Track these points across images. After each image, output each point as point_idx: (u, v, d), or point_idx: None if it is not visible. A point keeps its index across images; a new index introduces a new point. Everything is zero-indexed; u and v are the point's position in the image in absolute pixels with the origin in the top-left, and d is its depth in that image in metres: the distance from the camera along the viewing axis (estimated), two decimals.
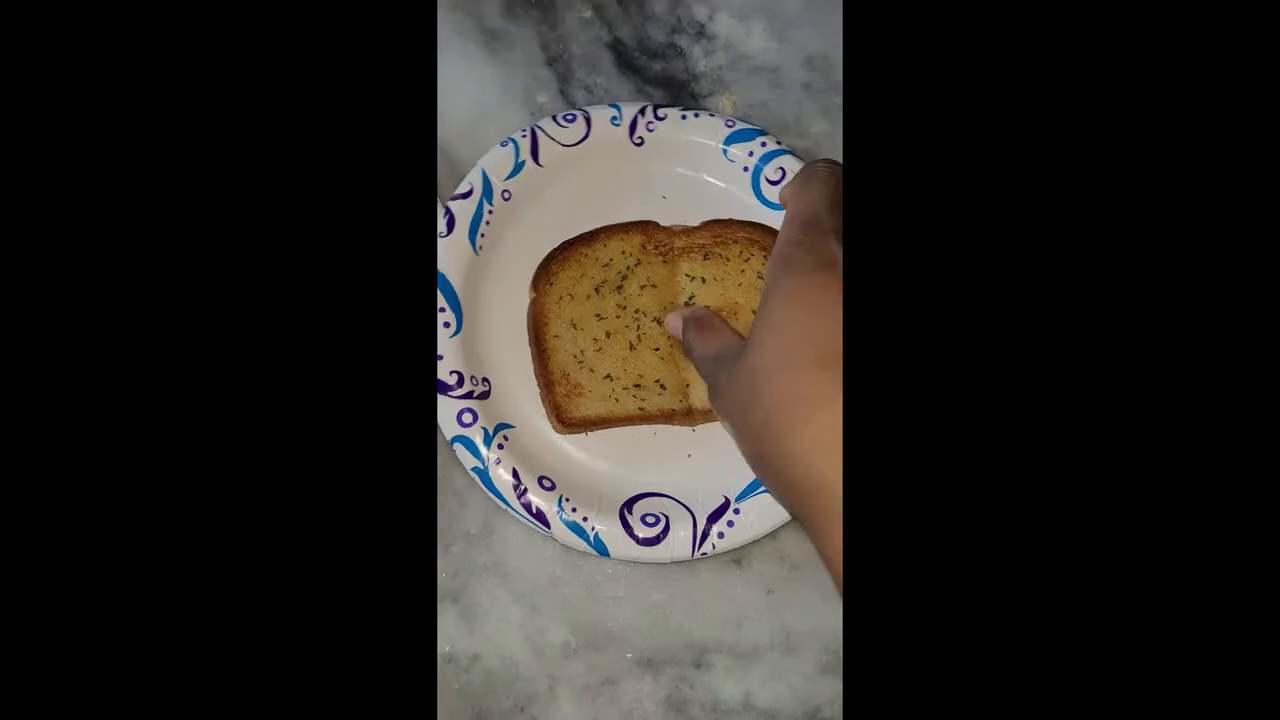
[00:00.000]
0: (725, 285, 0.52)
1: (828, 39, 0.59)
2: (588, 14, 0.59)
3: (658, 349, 0.51)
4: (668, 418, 0.51)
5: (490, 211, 0.53)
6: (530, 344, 0.52)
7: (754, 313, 0.49)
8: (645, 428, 0.52)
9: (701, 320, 0.48)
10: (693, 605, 0.52)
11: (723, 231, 0.53)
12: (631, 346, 0.51)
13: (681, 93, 0.58)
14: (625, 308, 0.52)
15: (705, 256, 0.52)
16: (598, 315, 0.52)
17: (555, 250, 0.52)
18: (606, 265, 0.52)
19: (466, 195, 0.53)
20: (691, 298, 0.52)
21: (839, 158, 0.57)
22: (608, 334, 0.51)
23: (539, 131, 0.54)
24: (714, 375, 0.43)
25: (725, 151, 0.55)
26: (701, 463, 0.52)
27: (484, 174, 0.54)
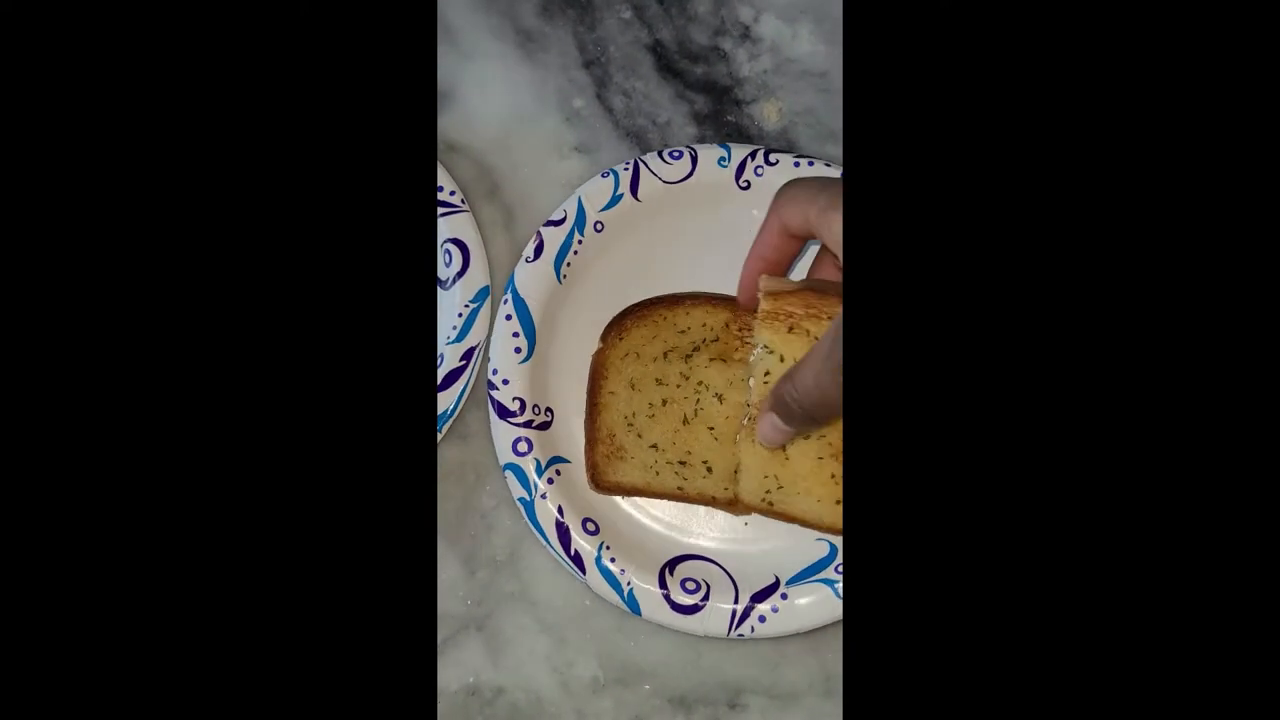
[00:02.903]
0: None
1: None
2: (627, 15, 0.56)
3: (713, 428, 0.48)
4: (708, 503, 0.48)
5: (580, 241, 0.51)
6: (586, 395, 0.50)
7: None
8: None
9: (788, 375, 0.42)
10: (728, 642, 0.49)
11: (818, 302, 0.44)
12: (686, 420, 0.48)
13: (725, 98, 0.55)
14: (689, 378, 0.48)
15: (790, 329, 0.44)
16: (658, 380, 0.49)
17: (633, 305, 0.50)
18: (684, 332, 0.49)
19: (559, 223, 0.51)
20: (767, 375, 0.44)
21: None
22: (665, 402, 0.48)
23: (642, 165, 0.52)
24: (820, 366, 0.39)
25: None
26: (758, 533, 0.50)
27: (580, 202, 0.51)
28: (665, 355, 0.49)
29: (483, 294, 0.51)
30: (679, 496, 0.48)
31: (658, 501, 0.50)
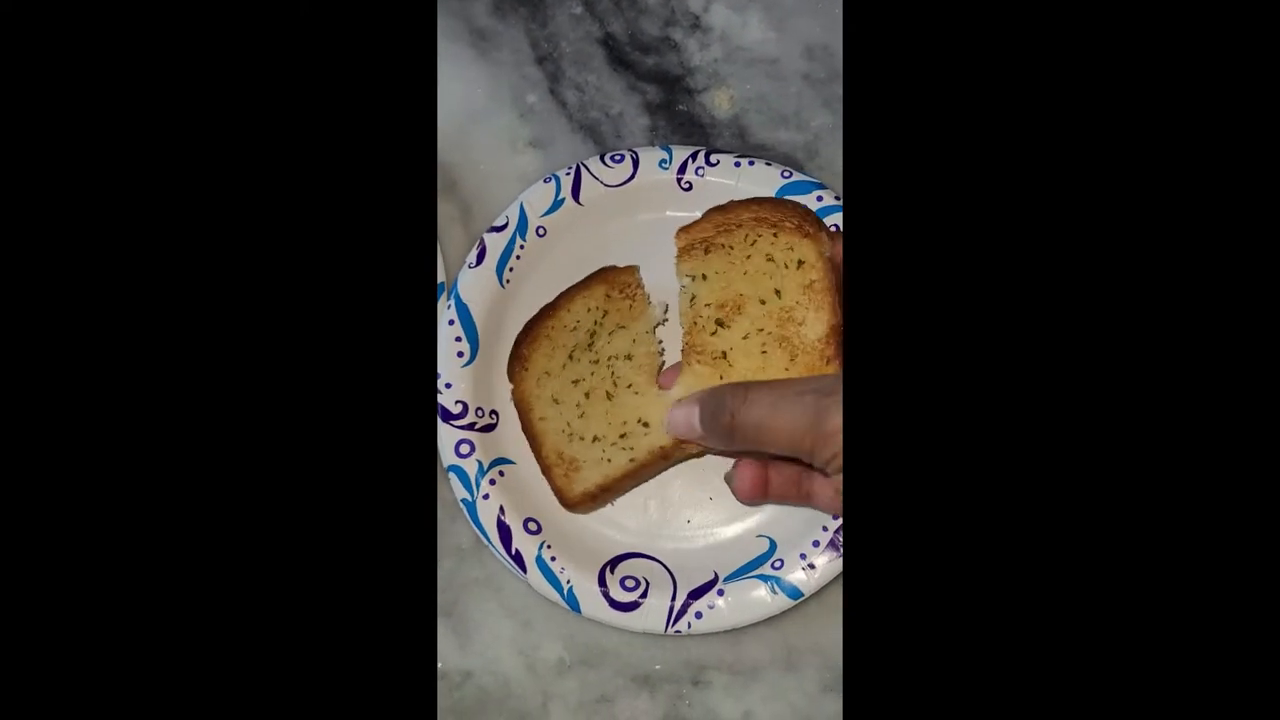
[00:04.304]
0: (729, 276, 0.47)
1: (828, 28, 0.56)
2: (578, 10, 0.57)
3: (631, 385, 0.48)
4: (665, 457, 0.47)
5: (522, 246, 0.52)
6: (523, 431, 0.49)
7: (762, 302, 0.46)
8: (649, 486, 0.50)
9: (742, 384, 0.43)
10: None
11: (725, 219, 0.47)
12: (609, 395, 0.48)
13: (676, 88, 0.56)
14: (598, 361, 0.49)
15: (706, 251, 0.47)
16: (574, 381, 0.49)
17: (521, 334, 0.50)
18: (574, 329, 0.49)
19: (501, 228, 0.52)
20: (693, 299, 0.47)
21: (839, 150, 0.55)
22: (587, 395, 0.49)
23: (584, 169, 0.53)
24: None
25: None
26: (698, 530, 0.50)
27: (521, 208, 0.52)
28: (571, 357, 0.49)
29: (438, 290, 0.52)
30: (638, 471, 0.47)
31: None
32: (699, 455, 0.48)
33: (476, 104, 0.56)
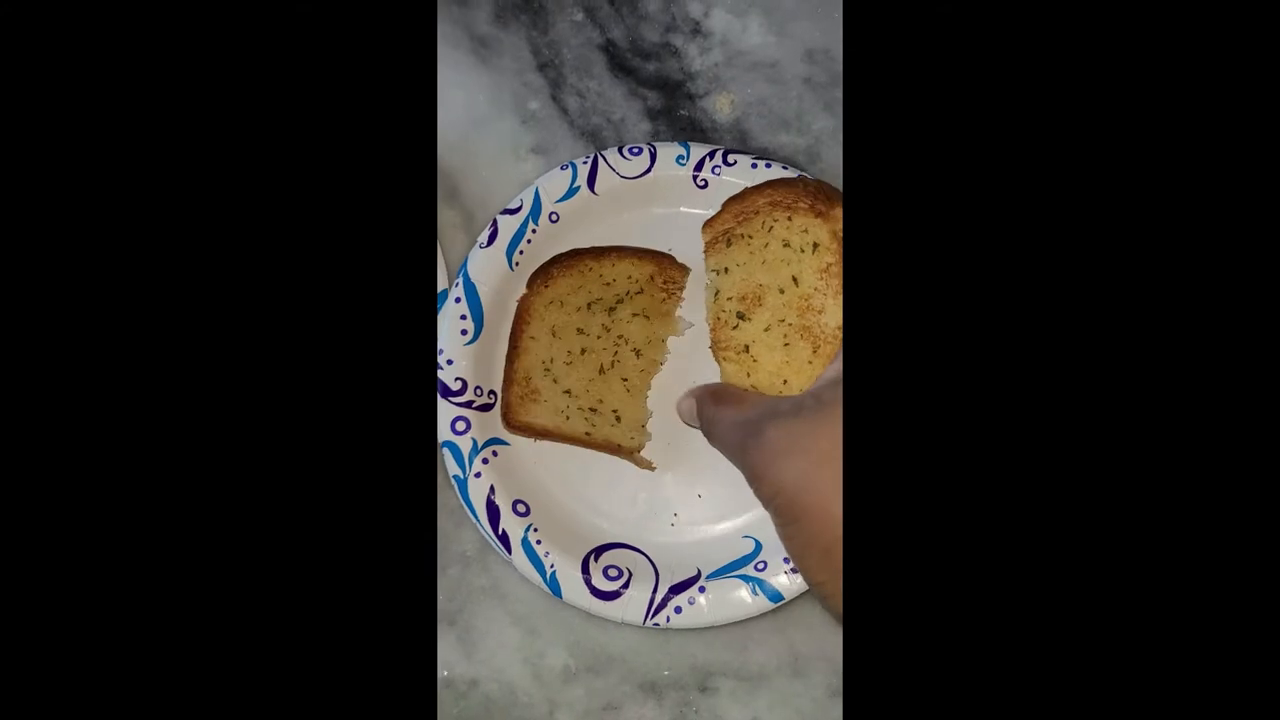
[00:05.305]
0: (749, 268, 0.47)
1: (828, 31, 0.56)
2: (579, 17, 0.57)
3: (626, 379, 0.49)
4: (613, 450, 0.49)
5: (534, 230, 0.52)
6: (508, 338, 0.51)
7: (781, 291, 0.46)
8: (640, 480, 0.51)
9: (719, 392, 0.44)
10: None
11: (743, 208, 0.48)
12: (602, 370, 0.49)
13: (677, 93, 0.56)
14: (609, 330, 0.50)
15: (729, 243, 0.48)
16: (580, 330, 0.50)
17: (560, 255, 0.51)
18: (609, 285, 0.50)
19: (515, 211, 0.52)
20: (716, 294, 0.48)
21: (840, 153, 0.55)
22: (583, 351, 0.50)
23: (601, 159, 0.53)
24: (757, 429, 0.39)
25: None
26: (685, 526, 0.51)
27: (536, 193, 0.53)
28: (589, 306, 0.50)
29: (441, 297, 0.52)
30: (584, 442, 0.49)
31: (596, 490, 0.51)
32: (650, 468, 0.50)
33: (478, 111, 0.56)
